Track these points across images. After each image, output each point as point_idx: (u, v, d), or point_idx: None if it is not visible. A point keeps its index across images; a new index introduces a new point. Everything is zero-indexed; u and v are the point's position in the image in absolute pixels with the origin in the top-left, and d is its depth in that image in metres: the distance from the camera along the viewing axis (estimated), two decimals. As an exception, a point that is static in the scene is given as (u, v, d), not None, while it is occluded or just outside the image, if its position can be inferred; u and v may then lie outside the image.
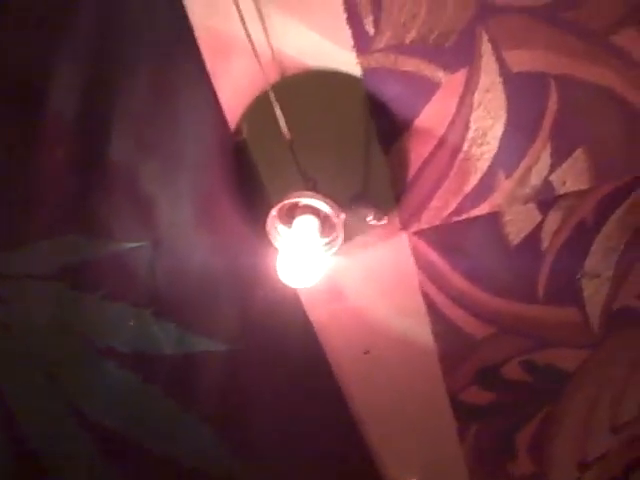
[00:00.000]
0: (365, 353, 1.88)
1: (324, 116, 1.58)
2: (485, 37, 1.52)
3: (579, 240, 1.73)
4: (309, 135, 1.58)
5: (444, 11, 1.50)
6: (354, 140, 1.60)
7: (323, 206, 1.48)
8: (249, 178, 1.63)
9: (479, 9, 1.49)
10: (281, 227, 1.54)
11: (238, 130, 1.59)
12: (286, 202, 1.48)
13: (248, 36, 1.47)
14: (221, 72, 1.54)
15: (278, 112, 1.49)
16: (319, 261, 1.52)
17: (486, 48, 1.53)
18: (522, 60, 1.54)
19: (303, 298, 1.78)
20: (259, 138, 1.60)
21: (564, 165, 1.63)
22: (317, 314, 1.82)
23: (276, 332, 1.76)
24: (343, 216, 1.50)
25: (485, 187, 1.67)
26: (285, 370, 1.81)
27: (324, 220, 1.54)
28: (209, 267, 1.65)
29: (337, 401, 1.90)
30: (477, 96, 1.58)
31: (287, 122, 1.50)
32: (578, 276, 1.77)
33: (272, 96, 1.49)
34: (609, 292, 1.81)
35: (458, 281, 1.78)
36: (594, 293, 1.81)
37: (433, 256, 1.75)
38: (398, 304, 1.82)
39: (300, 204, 1.53)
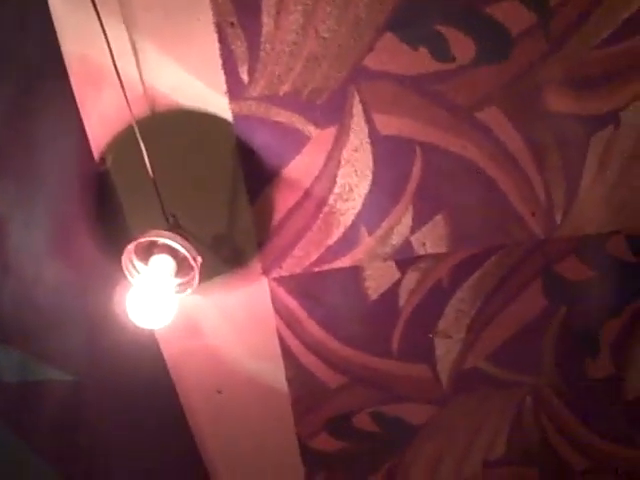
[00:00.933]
0: (218, 392, 1.94)
1: (192, 156, 1.64)
2: (357, 98, 1.62)
3: (434, 301, 1.85)
4: (175, 173, 1.63)
5: (319, 68, 1.59)
6: (220, 183, 1.66)
7: (180, 248, 1.53)
8: (110, 209, 1.66)
9: (353, 71, 1.59)
10: (137, 263, 1.58)
11: (102, 160, 1.63)
12: (143, 239, 1.53)
13: (116, 68, 1.49)
14: (90, 101, 1.58)
15: (143, 147, 1.52)
16: (171, 302, 1.56)
17: (357, 109, 1.63)
18: (391, 125, 1.65)
19: (157, 333, 1.83)
20: (123, 170, 1.64)
21: (424, 228, 1.75)
22: (171, 350, 1.87)
23: (127, 365, 1.79)
24: (200, 259, 1.55)
25: (348, 241, 1.77)
26: (133, 405, 1.83)
27: (182, 261, 1.59)
28: (59, 295, 1.66)
29: (186, 438, 1.95)
30: (345, 154, 1.68)
31: (153, 158, 1.53)
32: (430, 335, 1.89)
33: (137, 130, 1.52)
34: (460, 353, 1.93)
35: (314, 329, 1.87)
36: (445, 353, 1.93)
37: (291, 303, 1.84)
38: (253, 346, 1.89)
39: (159, 243, 1.57)
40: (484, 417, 2.06)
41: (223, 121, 1.62)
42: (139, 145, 1.52)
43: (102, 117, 1.60)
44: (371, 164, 1.69)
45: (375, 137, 1.66)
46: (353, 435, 2.04)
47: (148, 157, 1.52)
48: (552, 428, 2.10)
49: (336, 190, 1.72)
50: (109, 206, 1.66)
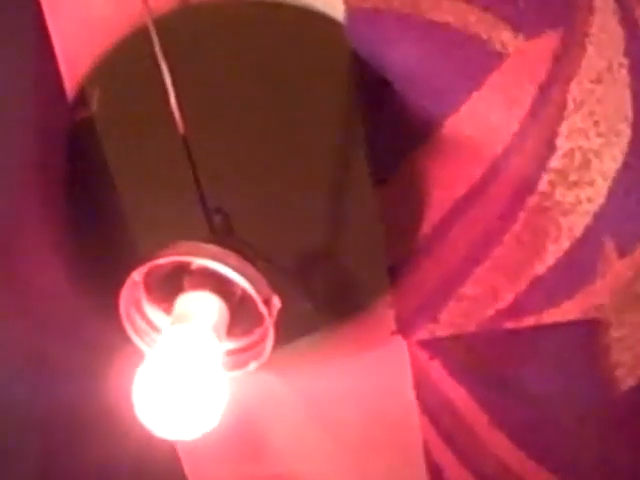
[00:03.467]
0: None
1: (258, 90, 1.29)
2: (601, -27, 1.20)
3: None
4: (224, 125, 1.30)
5: None
6: (318, 146, 1.32)
7: (237, 277, 1.16)
8: (95, 199, 1.33)
9: None
10: (152, 310, 1.24)
11: (82, 100, 1.34)
12: (162, 261, 1.16)
13: None
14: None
15: (165, 71, 1.16)
16: (217, 387, 1.17)
17: (603, -5, 1.23)
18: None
19: (183, 449, 1.48)
20: (122, 120, 1.34)
21: None
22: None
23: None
24: (277, 302, 1.17)
25: (575, 268, 1.34)
26: None
27: (239, 304, 1.23)
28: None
29: None
30: (575, 88, 1.26)
31: (183, 95, 1.18)
32: None
33: (155, 40, 1.18)
34: None
35: (492, 436, 1.47)
36: None
37: (457, 392, 1.43)
38: (376, 468, 1.51)
39: (193, 266, 1.23)
40: None
41: (327, 20, 1.29)
42: (150, 71, 1.21)
43: (83, 17, 1.32)
44: (630, 108, 1.26)
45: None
46: None
47: (174, 93, 1.18)
48: None
49: (554, 163, 1.28)
50: (95, 192, 1.33)
